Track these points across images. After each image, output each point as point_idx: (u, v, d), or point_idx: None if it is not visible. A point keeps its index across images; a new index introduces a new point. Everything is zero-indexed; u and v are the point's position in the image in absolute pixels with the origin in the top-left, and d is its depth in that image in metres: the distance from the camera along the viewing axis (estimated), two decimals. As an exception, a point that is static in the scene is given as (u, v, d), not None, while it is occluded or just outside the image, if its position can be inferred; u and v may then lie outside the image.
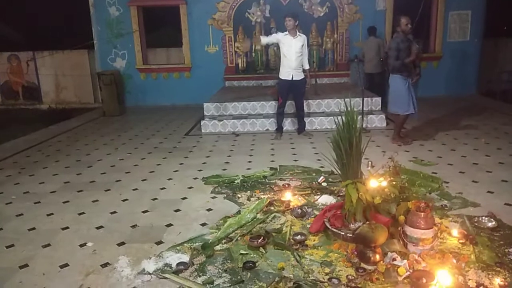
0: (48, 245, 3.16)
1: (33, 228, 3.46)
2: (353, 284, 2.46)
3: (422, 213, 2.70)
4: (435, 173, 4.37)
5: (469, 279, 2.45)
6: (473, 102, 8.49)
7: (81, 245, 3.13)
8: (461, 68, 9.14)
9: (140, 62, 9.43)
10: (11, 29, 12.86)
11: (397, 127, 5.67)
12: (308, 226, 3.20)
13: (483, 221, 3.16)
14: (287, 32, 5.86)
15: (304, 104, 6.41)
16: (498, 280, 2.41)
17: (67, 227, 3.45)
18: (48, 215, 3.71)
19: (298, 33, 5.90)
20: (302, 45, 5.90)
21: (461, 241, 2.88)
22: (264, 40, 6.25)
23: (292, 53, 5.85)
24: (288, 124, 6.66)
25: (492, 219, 3.16)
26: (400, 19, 5.26)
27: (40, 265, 2.88)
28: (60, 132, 7.21)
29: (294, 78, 5.94)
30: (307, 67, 6.09)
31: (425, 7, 8.52)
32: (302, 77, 6.02)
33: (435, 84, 9.04)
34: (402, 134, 5.73)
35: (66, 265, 2.86)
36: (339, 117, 3.14)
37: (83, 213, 3.74)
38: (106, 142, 6.40)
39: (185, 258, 2.84)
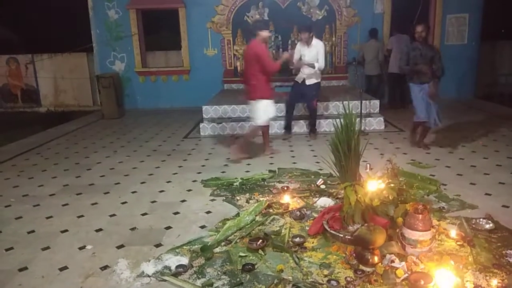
0: (48, 247, 3.16)
1: (32, 231, 3.46)
2: (351, 286, 2.47)
3: (420, 215, 2.71)
4: (433, 175, 4.39)
5: (467, 281, 2.46)
6: (471, 105, 8.52)
7: (80, 248, 3.14)
8: (459, 71, 9.17)
9: (139, 65, 9.44)
10: (6, 29, 12.85)
11: (410, 131, 5.68)
12: (307, 228, 3.22)
13: (481, 223, 3.18)
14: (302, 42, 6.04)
15: (317, 107, 6.47)
16: (495, 282, 2.42)
17: (66, 230, 3.45)
18: (47, 218, 3.72)
19: (313, 41, 5.97)
20: (317, 53, 5.96)
21: (459, 243, 2.90)
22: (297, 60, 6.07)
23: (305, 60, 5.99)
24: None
25: (490, 221, 3.18)
26: (416, 26, 5.13)
27: (40, 268, 2.88)
28: (59, 135, 7.21)
29: (306, 83, 6.08)
30: (316, 66, 6.02)
31: (423, 10, 8.56)
32: (313, 83, 6.11)
33: (433, 87, 9.07)
34: (416, 141, 5.60)
35: (66, 267, 2.87)
36: (338, 120, 3.16)
37: (82, 216, 3.74)
38: (105, 145, 6.41)
39: (184, 260, 2.85)
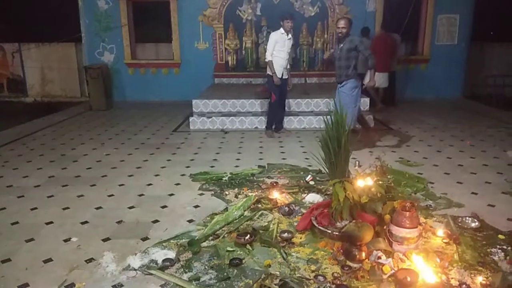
0: (32, 239, 3.11)
1: (16, 222, 3.40)
2: (338, 282, 2.48)
3: (407, 213, 2.73)
4: (421, 173, 4.42)
5: (452, 278, 2.49)
6: (459, 105, 8.62)
7: (65, 240, 3.09)
8: (448, 71, 9.26)
9: (129, 56, 9.32)
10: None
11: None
12: (295, 224, 3.22)
13: (467, 221, 3.21)
14: (283, 31, 5.89)
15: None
16: (480, 279, 2.46)
17: (51, 222, 3.40)
18: (32, 209, 3.65)
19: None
20: (292, 45, 6.01)
21: (445, 240, 2.93)
22: (269, 54, 5.89)
23: (285, 52, 5.94)
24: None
25: (476, 220, 3.22)
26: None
27: (23, 259, 2.83)
28: (45, 125, 7.09)
29: (283, 77, 6.02)
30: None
31: (415, 9, 8.61)
32: (288, 76, 6.16)
33: (422, 87, 9.16)
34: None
35: (50, 260, 2.82)
36: (328, 117, 3.16)
37: (67, 208, 3.69)
38: (92, 137, 6.32)
39: (171, 254, 2.83)
